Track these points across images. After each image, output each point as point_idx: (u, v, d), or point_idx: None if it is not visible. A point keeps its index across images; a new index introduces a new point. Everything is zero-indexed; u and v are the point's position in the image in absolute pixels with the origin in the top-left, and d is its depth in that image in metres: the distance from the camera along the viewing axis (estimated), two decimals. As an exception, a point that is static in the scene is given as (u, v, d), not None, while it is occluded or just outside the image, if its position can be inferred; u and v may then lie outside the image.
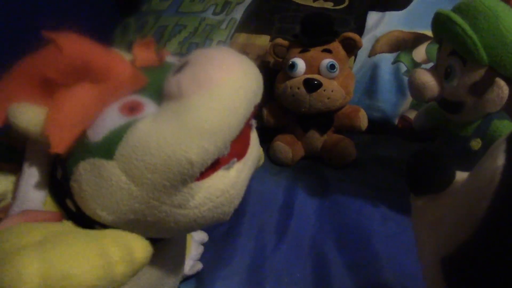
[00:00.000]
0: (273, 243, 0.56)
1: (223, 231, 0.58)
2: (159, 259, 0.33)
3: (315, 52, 0.70)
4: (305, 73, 0.70)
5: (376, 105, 0.80)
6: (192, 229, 0.33)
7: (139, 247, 0.29)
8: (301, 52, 0.71)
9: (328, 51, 0.70)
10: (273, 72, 0.76)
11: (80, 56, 0.30)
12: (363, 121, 0.73)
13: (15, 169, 0.33)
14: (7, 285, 0.23)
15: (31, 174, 0.32)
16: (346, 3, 0.89)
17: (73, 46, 0.30)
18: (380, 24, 0.84)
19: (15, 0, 0.83)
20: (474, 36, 0.47)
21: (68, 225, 0.31)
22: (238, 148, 0.32)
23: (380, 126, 0.80)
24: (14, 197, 0.32)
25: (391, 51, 0.81)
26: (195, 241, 0.53)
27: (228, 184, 0.31)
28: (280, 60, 0.75)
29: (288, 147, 0.72)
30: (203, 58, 0.30)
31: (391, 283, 0.49)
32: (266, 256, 0.54)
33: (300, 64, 0.70)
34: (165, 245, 0.36)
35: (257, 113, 0.33)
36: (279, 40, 0.75)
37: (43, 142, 0.29)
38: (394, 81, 0.79)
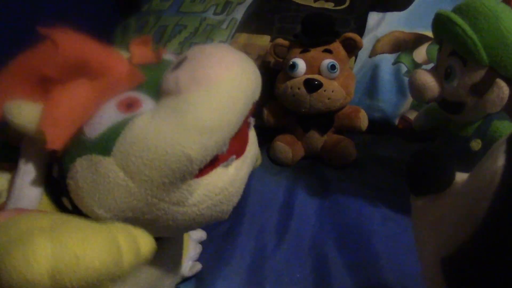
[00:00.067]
0: (273, 243, 0.56)
1: (223, 230, 0.58)
2: (157, 258, 0.33)
3: (315, 52, 0.70)
4: (306, 73, 0.70)
5: (377, 105, 0.80)
6: (191, 227, 0.33)
7: (145, 241, 0.29)
8: (301, 52, 0.71)
9: (329, 51, 0.70)
10: (273, 72, 0.75)
11: (76, 53, 0.30)
12: (363, 121, 0.73)
13: (12, 167, 0.33)
14: (21, 264, 0.23)
15: (27, 172, 0.32)
16: (347, 3, 0.89)
17: (69, 42, 0.30)
18: (381, 25, 0.84)
19: (15, 0, 0.83)
20: (475, 37, 0.47)
21: (72, 216, 0.31)
22: (236, 145, 0.32)
23: (381, 126, 0.80)
24: (9, 195, 0.32)
25: (391, 51, 0.81)
26: (193, 240, 0.53)
27: (227, 181, 0.31)
28: (281, 60, 0.75)
29: (288, 147, 0.72)
30: (201, 54, 0.30)
31: (391, 283, 0.49)
32: (266, 256, 0.54)
33: (301, 64, 0.70)
34: (163, 244, 0.36)
35: (257, 113, 0.33)
36: (280, 40, 0.75)
37: (39, 138, 0.29)
38: (395, 81, 0.79)
